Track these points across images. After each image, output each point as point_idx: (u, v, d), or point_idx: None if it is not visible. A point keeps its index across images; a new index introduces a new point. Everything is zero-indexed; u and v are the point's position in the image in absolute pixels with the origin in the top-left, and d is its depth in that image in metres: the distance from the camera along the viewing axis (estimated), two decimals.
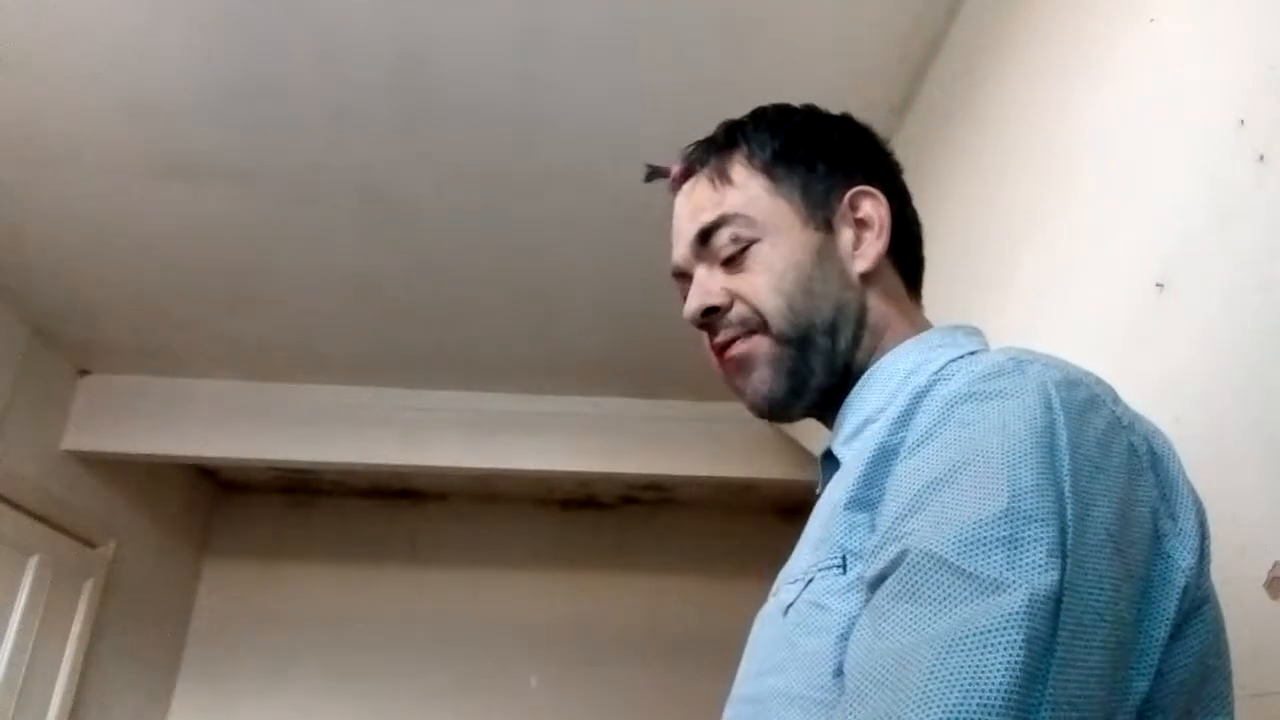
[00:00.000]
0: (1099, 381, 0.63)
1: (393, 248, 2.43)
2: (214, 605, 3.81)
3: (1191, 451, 0.91)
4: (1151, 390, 1.00)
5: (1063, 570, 0.51)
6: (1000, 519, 0.52)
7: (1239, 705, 0.78)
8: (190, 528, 3.80)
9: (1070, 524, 0.52)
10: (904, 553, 0.54)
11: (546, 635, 3.70)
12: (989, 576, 0.50)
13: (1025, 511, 0.52)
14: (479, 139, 2.04)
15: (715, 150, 0.82)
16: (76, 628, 3.00)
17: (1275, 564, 0.78)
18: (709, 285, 0.78)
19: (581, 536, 3.90)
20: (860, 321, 0.77)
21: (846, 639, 0.57)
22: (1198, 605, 0.59)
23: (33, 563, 2.79)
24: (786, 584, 0.67)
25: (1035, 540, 0.51)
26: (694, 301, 0.78)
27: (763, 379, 0.76)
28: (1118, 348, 1.09)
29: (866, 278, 0.78)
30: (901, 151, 2.14)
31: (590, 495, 3.88)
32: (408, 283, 2.58)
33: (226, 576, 3.87)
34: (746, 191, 0.79)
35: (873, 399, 0.73)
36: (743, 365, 0.77)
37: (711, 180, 0.80)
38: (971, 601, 0.50)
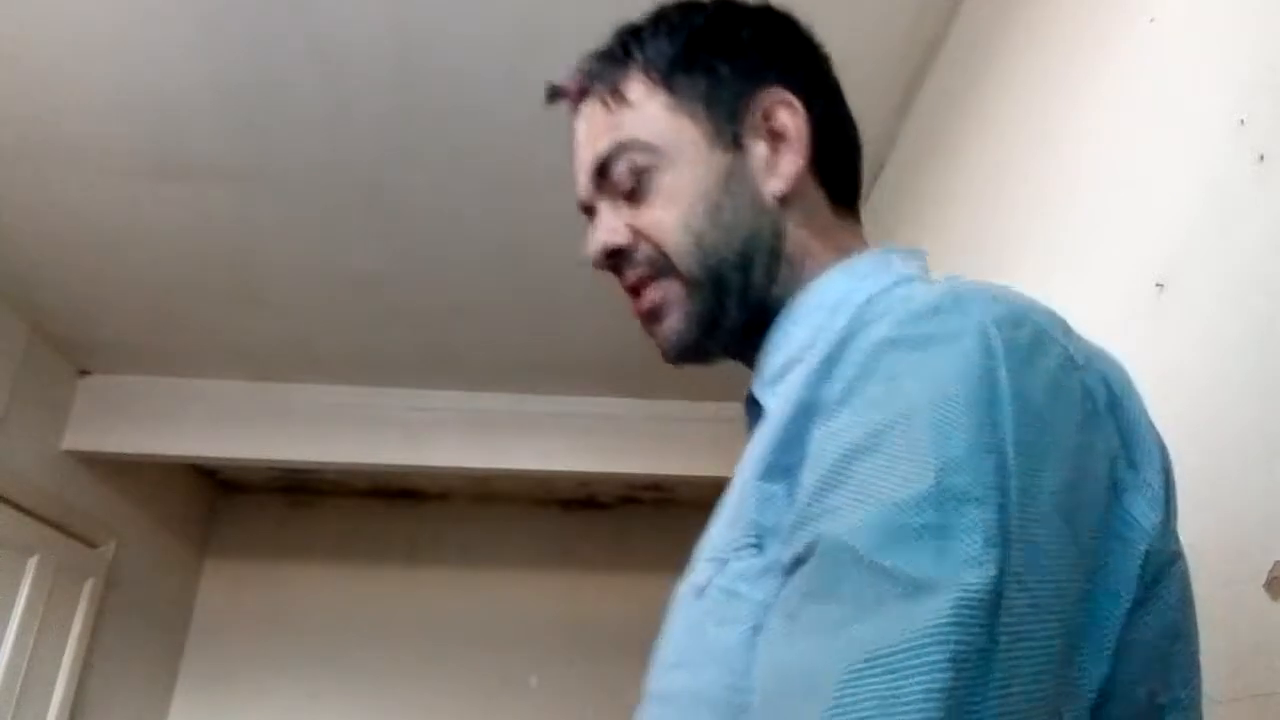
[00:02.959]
0: (1048, 313, 0.54)
1: (393, 248, 2.43)
2: (214, 605, 3.81)
3: (1191, 451, 0.92)
4: (1151, 390, 1.00)
5: (1003, 560, 0.43)
6: (927, 501, 0.44)
7: (1239, 705, 0.79)
8: (190, 528, 3.80)
9: (1014, 499, 0.44)
10: (817, 540, 0.46)
11: (546, 635, 3.71)
12: (912, 575, 0.42)
13: (957, 490, 0.44)
14: (479, 138, 2.04)
15: (609, 64, 0.72)
16: (76, 628, 3.00)
17: (1275, 564, 0.78)
18: (611, 223, 0.70)
19: (581, 536, 3.90)
20: (774, 251, 0.68)
21: (761, 631, 0.49)
22: (1164, 567, 0.51)
23: (33, 563, 2.79)
24: (702, 560, 0.58)
25: (969, 527, 0.43)
26: (593, 243, 0.70)
27: (673, 327, 0.69)
28: (1118, 348, 1.09)
29: (784, 200, 0.68)
30: (902, 152, 2.14)
31: (590, 495, 3.88)
32: (408, 283, 2.58)
33: (226, 576, 3.87)
34: (644, 112, 0.69)
35: (797, 334, 0.65)
36: (655, 314, 0.70)
37: (605, 101, 0.70)
38: (890, 608, 0.42)
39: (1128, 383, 0.55)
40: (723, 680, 0.50)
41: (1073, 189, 1.25)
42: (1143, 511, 0.50)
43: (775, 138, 0.68)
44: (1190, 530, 0.90)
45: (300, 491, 3.96)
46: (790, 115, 0.68)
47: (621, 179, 0.69)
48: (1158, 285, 1.01)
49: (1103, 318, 1.14)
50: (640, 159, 0.68)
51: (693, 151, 0.68)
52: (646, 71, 0.70)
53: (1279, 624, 0.77)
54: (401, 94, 1.92)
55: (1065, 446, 0.48)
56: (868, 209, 2.43)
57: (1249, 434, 0.84)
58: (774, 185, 0.68)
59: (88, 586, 3.07)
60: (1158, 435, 0.55)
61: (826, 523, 0.46)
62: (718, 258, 0.67)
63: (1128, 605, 0.48)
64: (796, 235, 0.68)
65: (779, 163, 0.68)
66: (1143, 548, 0.49)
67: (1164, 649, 0.51)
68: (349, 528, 3.93)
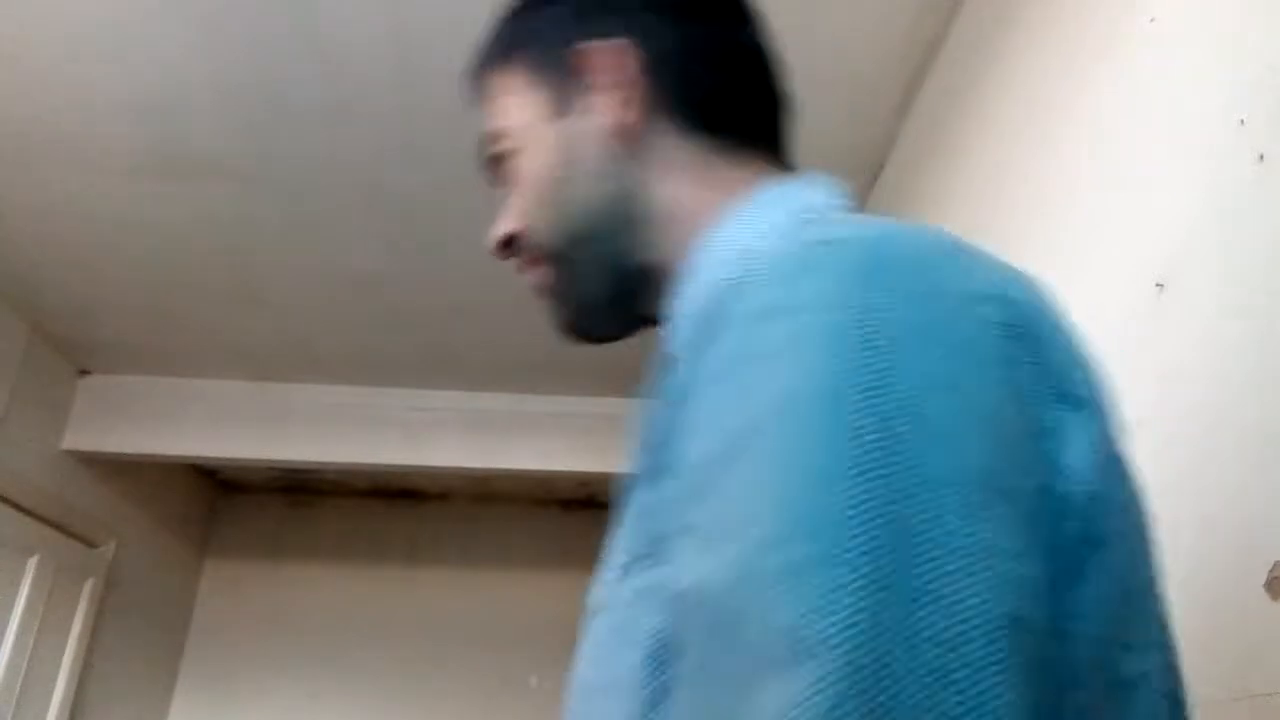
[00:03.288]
0: (931, 239, 0.45)
1: (393, 248, 2.43)
2: (214, 605, 3.81)
3: (1192, 452, 0.92)
4: (1152, 390, 1.00)
5: (900, 585, 0.33)
6: (794, 532, 0.34)
7: (1239, 705, 0.79)
8: (190, 528, 3.80)
9: (905, 499, 0.35)
10: (685, 591, 0.39)
11: (546, 635, 3.71)
12: (777, 642, 0.33)
13: (829, 511, 0.34)
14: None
15: (483, 58, 0.69)
16: (76, 628, 3.00)
17: (1275, 564, 0.78)
18: (504, 214, 0.67)
19: (581, 536, 3.90)
20: (633, 214, 0.60)
21: (659, 662, 0.41)
22: (1109, 515, 0.42)
23: (33, 563, 2.79)
24: (606, 569, 0.50)
25: (848, 557, 0.33)
26: (490, 235, 0.67)
27: (554, 313, 0.66)
28: (1118, 348, 1.09)
29: (633, 154, 0.60)
30: (902, 152, 2.14)
31: (590, 495, 3.88)
32: (408, 283, 2.58)
33: (226, 576, 3.87)
34: (501, 99, 0.66)
35: (684, 297, 0.57)
36: (539, 296, 0.67)
37: (481, 98, 0.68)
38: (756, 695, 0.33)
39: (1049, 305, 0.46)
40: (625, 710, 0.43)
41: (1073, 189, 1.25)
42: (1075, 453, 0.40)
43: (601, 90, 0.61)
44: (1190, 530, 0.90)
45: (300, 491, 3.96)
46: (610, 60, 0.60)
47: (498, 170, 0.66)
48: (1158, 285, 1.01)
49: (1103, 318, 1.14)
50: (502, 147, 0.65)
51: (537, 128, 0.63)
52: (504, 55, 0.67)
53: (1279, 624, 0.77)
54: (401, 94, 1.92)
55: (982, 402, 0.38)
56: (867, 209, 2.43)
57: (1249, 434, 0.84)
58: (609, 143, 0.60)
59: (88, 586, 3.07)
60: (1092, 360, 0.46)
61: (690, 560, 0.39)
62: (568, 235, 0.62)
63: (1071, 571, 0.39)
64: (661, 189, 0.60)
65: (609, 116, 0.60)
66: (1080, 495, 0.40)
67: (1118, 613, 0.41)
68: (349, 528, 3.93)
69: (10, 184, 2.19)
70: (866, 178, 2.06)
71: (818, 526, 0.34)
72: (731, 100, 0.63)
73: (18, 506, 2.74)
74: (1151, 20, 1.09)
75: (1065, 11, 1.33)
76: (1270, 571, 0.78)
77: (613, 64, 0.60)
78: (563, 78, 0.62)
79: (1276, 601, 0.77)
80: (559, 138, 0.62)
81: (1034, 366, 0.41)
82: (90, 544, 3.11)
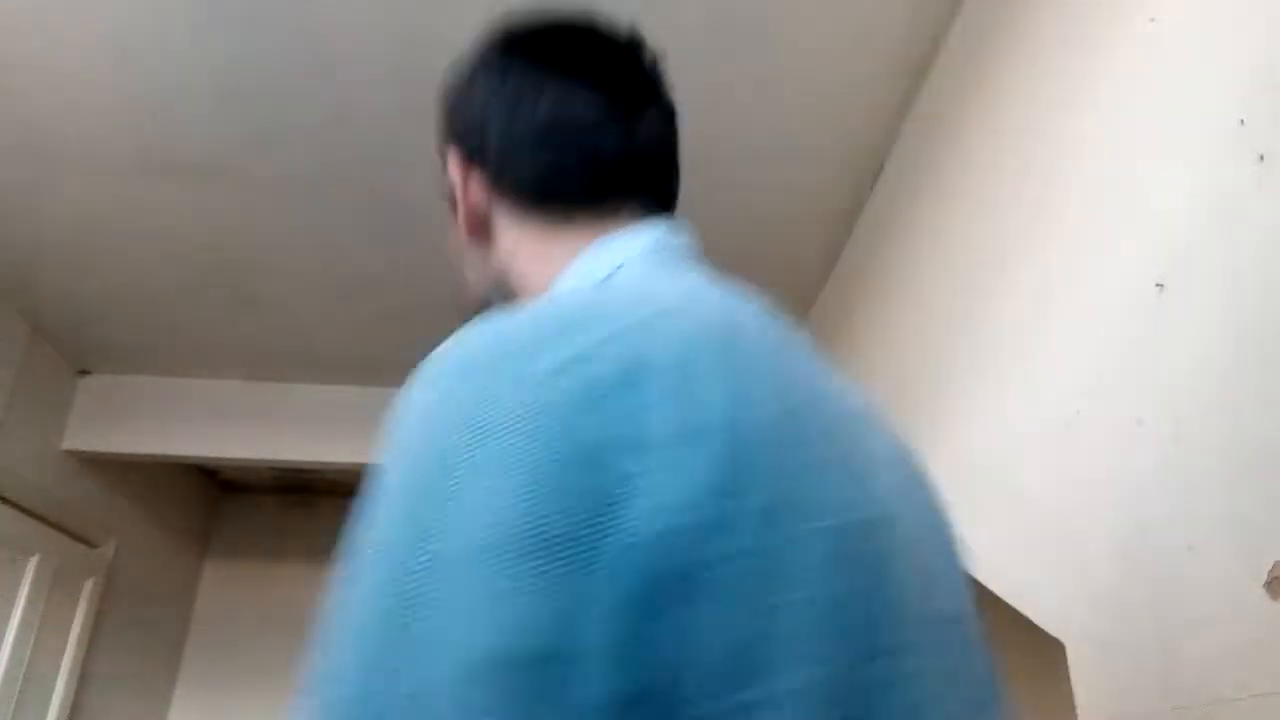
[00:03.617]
0: (528, 327, 0.47)
1: (393, 248, 2.43)
2: (214, 605, 3.81)
3: (1191, 452, 0.92)
4: (1152, 390, 1.00)
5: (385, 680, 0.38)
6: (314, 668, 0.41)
7: (1239, 705, 0.79)
8: (190, 528, 3.80)
9: (424, 595, 0.39)
10: None
11: None
12: None
13: (343, 642, 0.41)
14: None
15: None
16: (76, 628, 3.00)
17: (1275, 564, 0.78)
18: None
19: None
20: (510, 294, 0.66)
21: None
22: (720, 542, 0.40)
23: (33, 563, 2.79)
24: None
25: (336, 681, 0.40)
26: None
27: None
28: (1118, 348, 1.09)
29: (491, 243, 0.67)
30: (902, 153, 2.14)
31: None
32: (408, 283, 2.58)
33: (226, 576, 3.87)
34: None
35: None
36: None
37: None
38: None
39: (674, 348, 0.45)
40: None
41: (1073, 189, 1.25)
42: (652, 495, 0.40)
43: (456, 189, 0.68)
44: (1191, 530, 0.90)
45: (300, 491, 3.96)
46: (451, 160, 0.68)
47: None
48: (1158, 285, 1.01)
49: (1103, 318, 1.14)
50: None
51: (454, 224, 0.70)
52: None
53: (1279, 624, 0.77)
54: (402, 93, 1.92)
55: (499, 485, 0.40)
56: (867, 210, 2.42)
57: (1249, 434, 0.84)
58: (471, 237, 0.67)
59: (88, 586, 3.07)
60: (738, 386, 0.45)
61: None
62: (480, 305, 0.68)
63: (653, 608, 0.39)
64: (517, 268, 0.65)
65: (460, 213, 0.67)
66: (668, 533, 0.40)
67: (736, 639, 0.40)
68: (349, 528, 3.93)
69: (10, 184, 2.19)
70: (867, 178, 2.05)
71: (338, 662, 0.40)
72: (558, 174, 0.64)
73: (18, 506, 2.73)
74: (1151, 20, 1.10)
75: (1065, 11, 1.33)
76: (1270, 571, 0.78)
77: (452, 164, 0.67)
78: (450, 179, 0.69)
79: (1276, 601, 0.77)
80: (452, 236, 0.69)
81: (612, 423, 0.42)
82: (90, 544, 3.11)
